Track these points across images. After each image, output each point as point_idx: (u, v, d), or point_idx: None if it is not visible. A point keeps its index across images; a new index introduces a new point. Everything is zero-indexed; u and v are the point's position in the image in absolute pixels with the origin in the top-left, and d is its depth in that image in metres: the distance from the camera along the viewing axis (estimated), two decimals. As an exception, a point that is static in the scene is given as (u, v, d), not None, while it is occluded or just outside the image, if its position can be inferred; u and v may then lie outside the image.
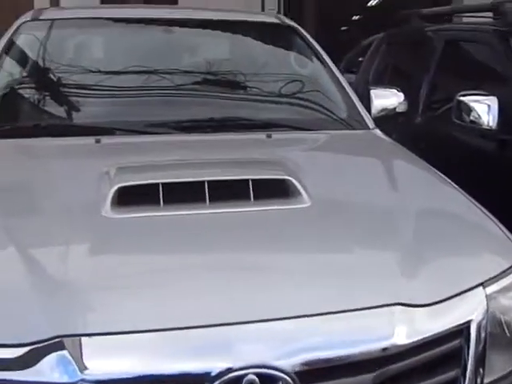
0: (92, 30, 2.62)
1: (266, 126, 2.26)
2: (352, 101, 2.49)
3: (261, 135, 2.16)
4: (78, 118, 2.24)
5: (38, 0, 6.49)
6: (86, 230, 1.46)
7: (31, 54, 2.47)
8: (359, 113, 2.43)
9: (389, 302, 1.28)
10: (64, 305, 1.20)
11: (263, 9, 7.09)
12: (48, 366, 1.12)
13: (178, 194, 1.56)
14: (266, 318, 1.21)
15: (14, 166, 1.90)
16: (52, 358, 1.12)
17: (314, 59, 2.69)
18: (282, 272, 1.36)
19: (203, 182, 1.57)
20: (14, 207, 1.58)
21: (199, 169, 1.73)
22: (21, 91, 2.38)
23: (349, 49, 6.33)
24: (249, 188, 1.58)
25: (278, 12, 7.11)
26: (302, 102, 2.47)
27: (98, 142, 2.00)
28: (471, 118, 2.91)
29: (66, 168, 1.87)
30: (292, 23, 2.88)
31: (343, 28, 13.91)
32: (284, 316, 1.22)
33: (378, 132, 2.36)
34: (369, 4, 12.48)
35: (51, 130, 2.14)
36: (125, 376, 1.13)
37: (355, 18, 14.33)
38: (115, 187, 1.54)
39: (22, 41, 2.50)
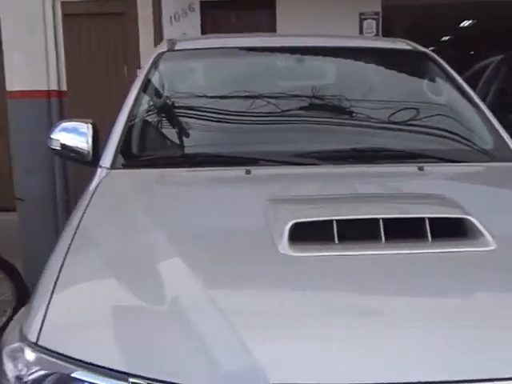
0: (229, 59, 2.64)
1: (414, 156, 2.18)
2: (497, 130, 2.37)
3: (411, 167, 2.08)
4: (225, 148, 2.25)
5: (143, 35, 6.69)
6: (269, 268, 1.44)
7: (173, 84, 2.52)
8: (505, 142, 2.32)
9: None
10: (266, 351, 1.16)
11: (361, 32, 7.04)
12: None
13: (351, 231, 1.51)
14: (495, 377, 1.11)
15: (172, 197, 1.92)
16: None
17: (452, 86, 2.59)
18: (489, 324, 1.26)
19: (378, 220, 1.52)
20: (185, 242, 1.58)
21: (370, 205, 1.68)
22: (165, 120, 2.43)
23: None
24: (425, 227, 1.51)
25: (376, 34, 7.05)
26: (446, 133, 2.39)
27: (248, 172, 1.99)
28: None
29: (226, 200, 1.86)
30: (425, 49, 2.80)
31: (432, 49, 13.66)
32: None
33: None
34: (461, 25, 12.17)
35: (198, 160, 2.17)
36: None
37: (445, 38, 14.05)
38: (290, 223, 1.50)
39: (162, 71, 2.55)
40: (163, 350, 1.19)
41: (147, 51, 6.80)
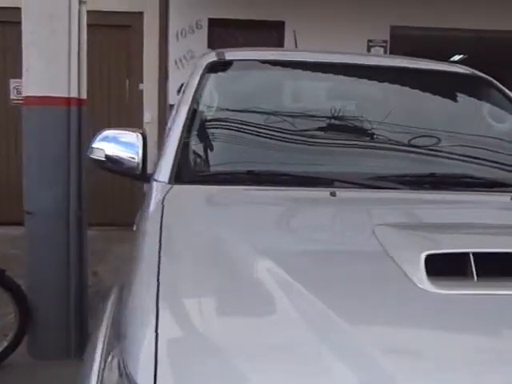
0: (287, 72, 2.45)
1: (500, 185, 2.01)
2: None
3: (504, 197, 1.91)
4: (298, 168, 2.04)
5: (147, 50, 6.51)
6: (412, 305, 1.23)
7: (230, 95, 2.32)
8: None
9: None
10: None
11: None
12: None
13: (487, 265, 1.31)
14: None
15: (263, 218, 1.71)
16: None
17: None
18: None
19: None
20: (298, 267, 1.37)
21: (500, 237, 1.48)
22: (225, 135, 2.21)
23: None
24: None
25: (385, 52, 7.07)
26: None
27: (333, 195, 1.79)
28: None
29: (326, 223, 1.68)
30: (485, 76, 2.66)
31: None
32: None
33: None
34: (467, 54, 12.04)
35: (268, 178, 1.96)
36: None
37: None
38: (425, 253, 1.30)
39: (215, 81, 2.34)
40: None
41: (150, 66, 6.62)
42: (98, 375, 1.27)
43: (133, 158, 2.07)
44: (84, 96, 3.43)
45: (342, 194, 1.81)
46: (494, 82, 2.65)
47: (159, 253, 1.39)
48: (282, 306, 1.20)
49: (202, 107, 2.22)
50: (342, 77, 2.47)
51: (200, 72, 2.36)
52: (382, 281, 1.32)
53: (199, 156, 2.10)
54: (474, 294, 1.25)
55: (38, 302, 3.35)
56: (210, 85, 2.32)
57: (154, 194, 1.89)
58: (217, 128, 2.24)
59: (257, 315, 1.20)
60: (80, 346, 3.41)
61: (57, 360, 3.30)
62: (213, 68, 2.38)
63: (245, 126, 2.19)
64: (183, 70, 6.08)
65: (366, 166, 2.05)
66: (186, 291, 1.28)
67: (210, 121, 2.25)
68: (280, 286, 1.25)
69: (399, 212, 1.75)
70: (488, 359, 1.10)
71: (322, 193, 1.80)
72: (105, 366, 1.23)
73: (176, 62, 6.22)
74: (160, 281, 1.26)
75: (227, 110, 2.30)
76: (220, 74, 2.39)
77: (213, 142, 2.16)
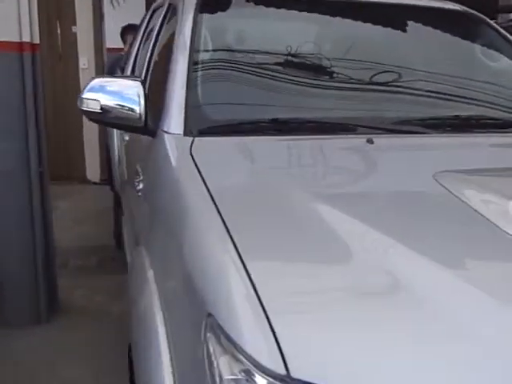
0: (285, 9, 2.27)
1: None
2: None
3: None
4: (323, 113, 1.91)
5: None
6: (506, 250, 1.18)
7: (234, 35, 2.14)
8: None
9: None
10: None
11: None
12: None
13: None
14: None
15: (312, 166, 1.64)
16: None
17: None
18: None
19: None
20: (366, 214, 1.30)
21: None
22: (235, 80, 2.02)
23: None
24: None
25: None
26: None
27: (370, 142, 1.69)
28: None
29: (379, 170, 1.61)
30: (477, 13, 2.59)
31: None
32: None
33: None
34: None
35: (293, 126, 1.83)
36: None
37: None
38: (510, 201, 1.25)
39: (214, 20, 2.14)
40: None
41: (83, 6, 6.16)
42: (172, 365, 1.16)
43: (133, 108, 1.86)
44: (37, 40, 3.12)
45: (379, 141, 1.71)
46: (487, 19, 2.59)
47: (216, 206, 1.27)
48: (360, 251, 1.15)
49: (203, 51, 2.03)
50: (357, 14, 2.32)
51: (192, 11, 2.14)
52: (465, 227, 1.26)
53: (215, 104, 1.91)
54: None
55: (2, 266, 3.11)
56: (207, 23, 2.12)
57: (169, 147, 1.72)
58: (227, 71, 2.05)
59: (338, 260, 1.13)
60: (50, 311, 3.23)
61: (27, 326, 3.10)
62: (206, 5, 2.17)
63: (258, 70, 2.01)
64: (120, 10, 5.69)
65: (394, 110, 1.96)
66: (262, 242, 1.18)
67: (217, 65, 2.05)
68: (355, 231, 1.21)
69: (450, 157, 1.68)
70: None
71: (358, 140, 1.70)
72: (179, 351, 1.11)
73: (112, 1, 5.80)
74: (232, 235, 1.15)
75: (234, 51, 2.11)
76: (218, 11, 2.18)
77: (227, 89, 1.97)
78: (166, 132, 1.79)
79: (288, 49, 2.03)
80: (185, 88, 1.85)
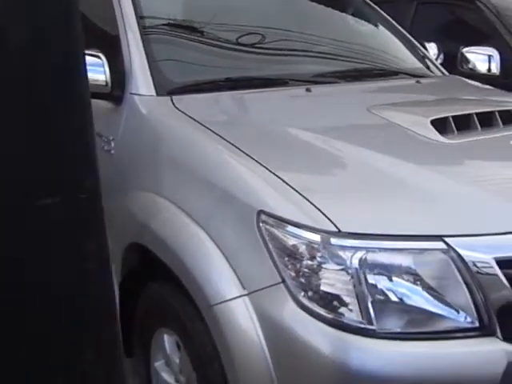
0: None
1: (396, 73, 2.57)
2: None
3: (410, 81, 2.49)
4: (263, 71, 2.35)
5: None
6: (437, 152, 1.77)
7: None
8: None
9: None
10: None
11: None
12: None
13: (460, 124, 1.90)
14: None
15: (281, 110, 2.07)
16: None
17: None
18: None
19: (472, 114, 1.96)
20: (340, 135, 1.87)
21: (461, 105, 2.19)
22: (184, 43, 2.35)
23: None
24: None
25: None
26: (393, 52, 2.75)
27: (308, 90, 2.19)
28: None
29: (330, 108, 2.13)
30: None
31: None
32: None
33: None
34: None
35: (243, 83, 2.23)
36: None
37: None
38: (429, 118, 1.88)
39: None
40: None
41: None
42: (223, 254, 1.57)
43: (98, 77, 2.06)
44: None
45: (314, 89, 2.20)
46: None
47: (234, 145, 1.70)
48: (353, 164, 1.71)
49: (145, 12, 2.27)
50: None
51: None
52: (405, 139, 1.84)
53: (176, 66, 2.22)
54: (480, 139, 1.86)
55: None
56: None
57: (146, 107, 2.00)
58: (179, 36, 2.35)
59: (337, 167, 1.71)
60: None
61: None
62: None
63: (208, 32, 2.35)
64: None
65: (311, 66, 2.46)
66: (282, 164, 1.65)
67: (169, 29, 2.33)
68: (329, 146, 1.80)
69: (371, 97, 2.25)
70: None
71: (299, 90, 2.20)
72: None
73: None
74: (266, 165, 1.60)
75: (179, 19, 2.42)
76: None
77: (183, 51, 2.30)
78: (137, 94, 2.05)
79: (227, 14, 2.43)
80: (143, 53, 2.12)
